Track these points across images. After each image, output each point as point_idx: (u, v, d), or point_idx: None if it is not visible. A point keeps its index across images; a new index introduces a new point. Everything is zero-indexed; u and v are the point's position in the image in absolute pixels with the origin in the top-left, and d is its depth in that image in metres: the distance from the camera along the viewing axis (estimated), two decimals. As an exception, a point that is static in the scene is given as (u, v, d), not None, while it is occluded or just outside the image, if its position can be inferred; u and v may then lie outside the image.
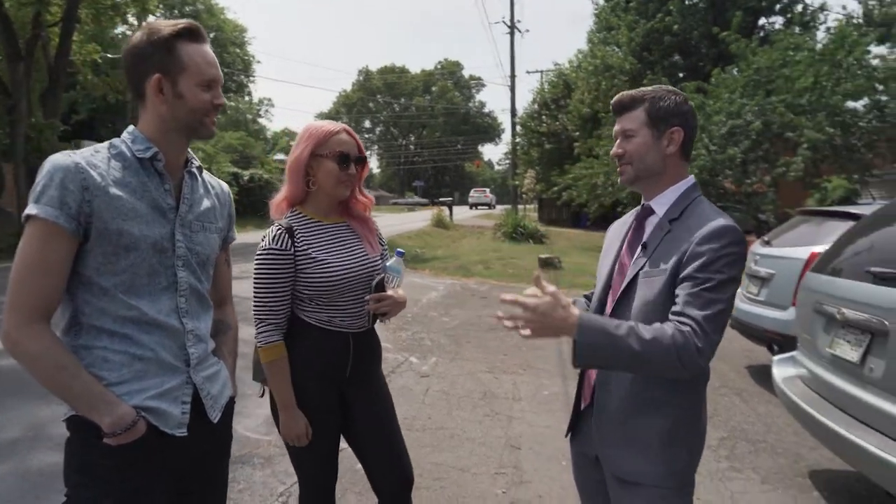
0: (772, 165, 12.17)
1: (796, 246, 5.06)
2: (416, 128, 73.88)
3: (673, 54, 20.61)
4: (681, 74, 19.95)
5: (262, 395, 2.12)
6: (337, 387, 2.01)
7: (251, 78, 32.79)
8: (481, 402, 4.64)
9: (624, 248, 1.68)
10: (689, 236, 1.49)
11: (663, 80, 17.06)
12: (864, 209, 4.74)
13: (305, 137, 1.95)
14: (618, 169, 1.66)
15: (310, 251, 1.92)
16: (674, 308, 1.45)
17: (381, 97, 70.88)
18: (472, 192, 50.33)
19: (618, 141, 1.64)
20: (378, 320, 2.04)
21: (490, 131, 74.78)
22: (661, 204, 1.61)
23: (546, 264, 12.50)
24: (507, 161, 35.88)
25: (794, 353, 3.62)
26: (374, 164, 72.79)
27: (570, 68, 27.77)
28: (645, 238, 1.61)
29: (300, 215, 1.99)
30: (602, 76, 20.74)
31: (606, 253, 1.77)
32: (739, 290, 5.83)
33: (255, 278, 1.91)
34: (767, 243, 5.52)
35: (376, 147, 75.00)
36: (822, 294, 3.26)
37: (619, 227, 1.79)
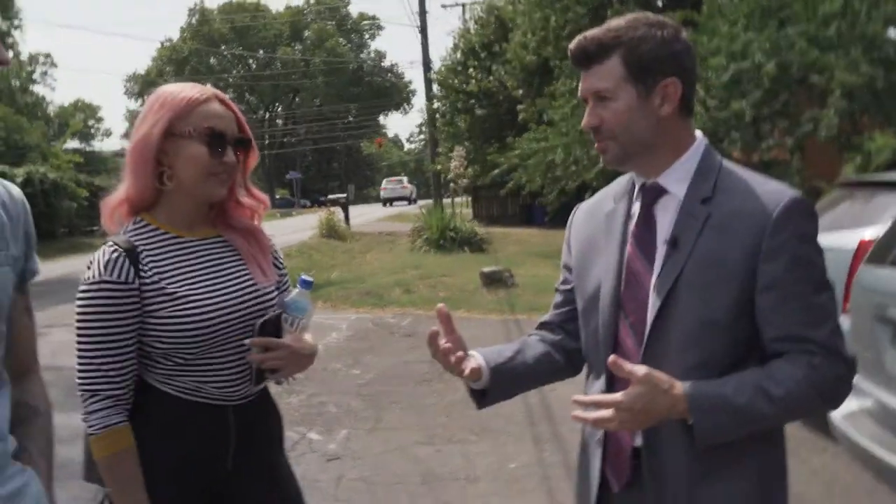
0: (794, 123, 12.78)
1: (840, 230, 5.29)
2: (283, 93, 73.23)
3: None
4: (660, 2, 20.75)
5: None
6: (210, 489, 1.98)
7: (15, 21, 30.90)
8: (422, 490, 4.63)
9: (630, 248, 1.70)
10: (747, 221, 1.57)
11: (635, 9, 17.61)
12: (926, 173, 5.07)
13: (156, 108, 1.92)
14: (596, 146, 1.70)
15: (162, 283, 1.89)
16: (776, 331, 1.56)
17: (226, 49, 69.79)
18: (383, 184, 52.29)
19: (588, 106, 1.67)
20: (266, 381, 2.01)
21: (395, 94, 75.33)
22: (677, 181, 1.66)
23: (491, 281, 12.67)
24: (423, 136, 36.19)
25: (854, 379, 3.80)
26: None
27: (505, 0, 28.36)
28: (668, 231, 1.64)
29: (147, 227, 1.95)
30: (551, 8, 21.21)
31: (589, 256, 1.79)
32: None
33: (78, 329, 1.86)
34: (800, 230, 5.80)
35: (225, 124, 73.51)
36: (885, 294, 3.46)
37: (598, 219, 1.81)
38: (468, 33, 29.98)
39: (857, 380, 3.74)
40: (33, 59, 68.55)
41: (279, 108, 75.23)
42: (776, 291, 1.54)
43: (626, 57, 1.61)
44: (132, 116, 69.64)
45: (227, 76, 71.40)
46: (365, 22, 73.65)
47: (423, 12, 29.73)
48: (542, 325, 1.97)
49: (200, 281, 1.93)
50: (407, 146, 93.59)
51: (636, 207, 1.73)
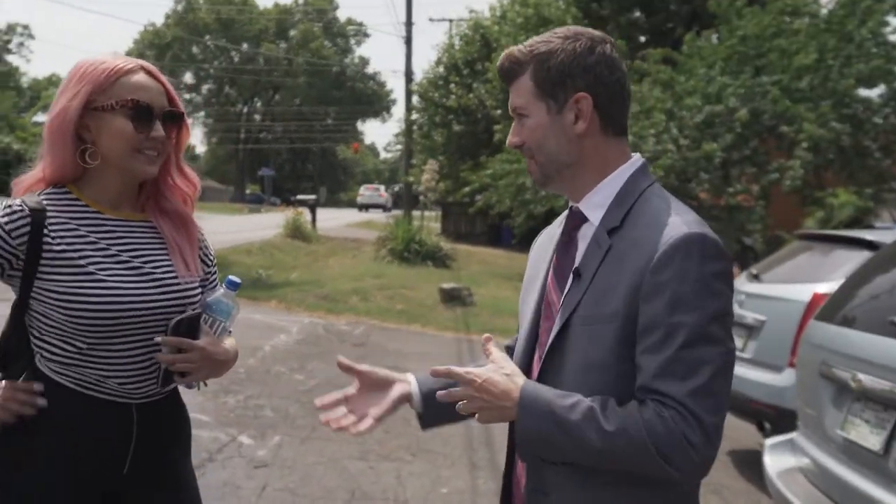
0: (761, 170, 12.97)
1: (795, 283, 5.32)
2: (263, 89, 72.91)
3: (632, 9, 21.67)
4: (642, 38, 21.02)
5: None
6: (103, 494, 1.86)
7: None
8: (347, 508, 4.53)
9: (550, 276, 1.64)
10: (639, 256, 1.45)
11: (619, 41, 17.81)
12: (883, 235, 5.08)
13: (76, 79, 1.82)
14: (527, 166, 1.67)
15: (72, 254, 1.77)
16: (641, 380, 1.43)
17: (210, 39, 69.31)
18: (361, 190, 55.44)
19: (513, 125, 1.64)
20: (174, 384, 1.90)
21: (375, 101, 75.38)
22: (594, 206, 1.58)
23: (450, 298, 12.61)
24: (399, 146, 36.15)
25: (792, 435, 3.74)
26: (196, 139, 70.94)
27: (491, 18, 28.46)
28: (578, 260, 1.57)
29: (69, 196, 1.84)
30: (535, 32, 21.28)
31: (531, 284, 1.74)
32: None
33: None
34: (756, 277, 5.80)
35: (202, 114, 73.15)
36: (831, 352, 3.41)
37: (546, 244, 1.76)
38: (452, 49, 30.07)
39: (797, 436, 3.70)
40: (11, 28, 67.64)
41: (258, 104, 74.84)
42: (650, 335, 1.41)
43: (536, 72, 1.56)
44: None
45: (207, 67, 70.95)
46: (351, 27, 73.66)
47: (409, 23, 29.71)
48: (507, 347, 1.91)
49: (113, 263, 1.81)
50: (383, 154, 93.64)
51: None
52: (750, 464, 5.60)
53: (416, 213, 26.03)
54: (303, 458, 5.27)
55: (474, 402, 1.49)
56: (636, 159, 1.61)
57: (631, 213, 1.52)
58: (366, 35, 77.90)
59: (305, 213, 24.59)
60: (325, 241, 22.56)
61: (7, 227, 1.74)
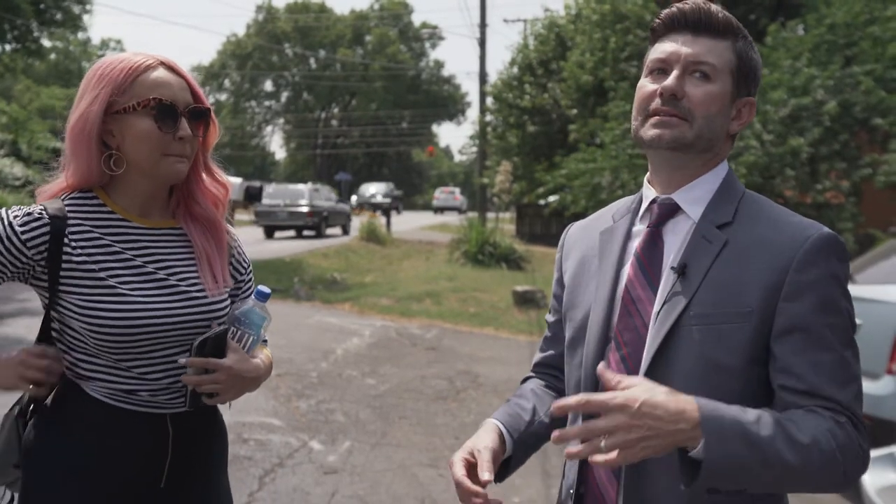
0: (852, 165, 12.46)
1: (891, 283, 5.12)
2: (340, 95, 73.97)
3: (714, 1, 21.09)
4: (724, 31, 20.46)
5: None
6: None
7: (88, 6, 32.01)
8: (416, 517, 4.47)
9: (632, 268, 1.51)
10: (771, 253, 1.38)
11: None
12: None
13: (94, 81, 1.71)
14: (656, 118, 1.46)
15: (92, 266, 1.69)
16: (795, 384, 1.33)
17: (289, 47, 70.75)
18: (436, 193, 55.87)
19: (676, 72, 1.46)
20: (202, 405, 1.78)
21: (450, 104, 75.63)
22: (694, 200, 1.49)
23: (524, 300, 12.46)
24: (474, 148, 36.06)
25: (893, 448, 3.56)
26: (277, 146, 72.47)
27: (566, 17, 28.22)
28: (676, 256, 1.45)
29: (95, 202, 1.76)
30: (611, 29, 21.08)
31: (581, 276, 1.60)
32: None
33: None
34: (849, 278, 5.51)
35: (281, 121, 74.71)
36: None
37: (591, 238, 1.63)
38: (527, 49, 29.87)
39: (898, 449, 3.48)
40: (105, 43, 70.35)
41: (335, 109, 75.94)
42: (799, 336, 1.34)
43: (741, 51, 1.49)
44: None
45: (287, 75, 72.38)
46: (426, 30, 73.96)
47: (483, 25, 29.71)
48: (541, 368, 1.79)
49: (136, 275, 1.72)
50: (458, 157, 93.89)
51: (639, 227, 1.55)
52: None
53: (490, 215, 26.05)
54: (372, 465, 5.20)
55: (629, 431, 1.19)
56: (725, 163, 1.56)
57: (741, 210, 1.46)
58: (440, 38, 78.29)
59: (379, 218, 24.98)
60: (400, 245, 22.73)
61: (24, 237, 1.65)
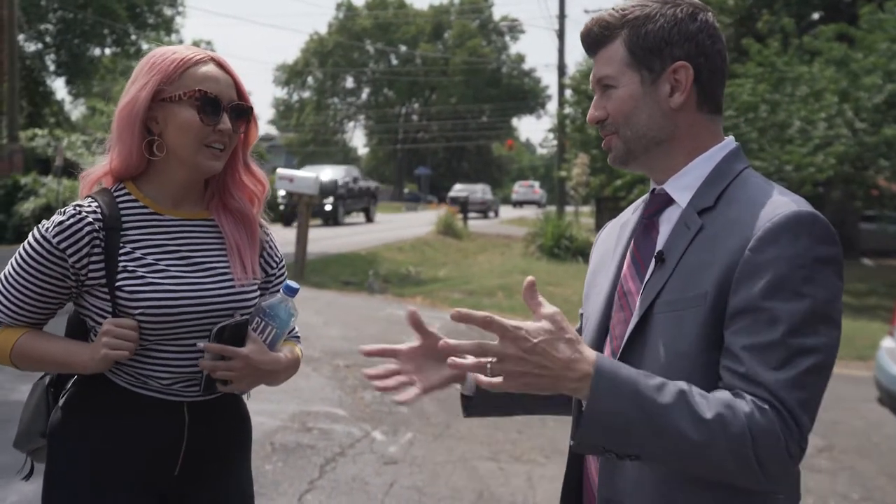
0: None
1: None
2: (420, 90, 74.33)
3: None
4: (815, 15, 19.75)
5: (30, 475, 1.92)
6: (161, 496, 1.83)
7: (180, 8, 33.07)
8: (472, 511, 4.46)
9: (626, 262, 1.52)
10: (736, 234, 1.32)
11: (786, 20, 16.79)
12: None
13: (146, 69, 1.80)
14: (603, 143, 1.54)
15: (139, 254, 1.78)
16: (731, 365, 1.28)
17: (370, 44, 71.43)
18: (515, 187, 56.28)
19: (595, 97, 1.52)
20: (216, 392, 1.81)
21: (530, 98, 75.04)
22: (682, 188, 1.46)
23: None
24: (554, 142, 35.67)
25: None
26: (359, 142, 73.23)
27: (647, 5, 27.72)
28: (661, 244, 1.44)
29: (126, 197, 1.82)
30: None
31: (595, 276, 1.63)
32: (886, 341, 5.54)
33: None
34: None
35: (362, 117, 75.51)
36: None
37: (613, 234, 1.65)
38: (606, 40, 29.50)
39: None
40: (196, 44, 72.24)
41: (415, 105, 76.29)
42: (744, 318, 1.27)
43: (629, 38, 1.44)
44: (278, 104, 72.52)
45: (367, 71, 73.10)
46: (506, 23, 73.51)
47: (562, 16, 29.38)
48: None
49: (166, 266, 1.78)
50: (538, 151, 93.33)
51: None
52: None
53: (570, 208, 25.81)
54: (433, 457, 5.22)
55: (517, 364, 1.23)
56: (729, 141, 1.50)
57: (726, 193, 1.41)
58: (520, 31, 77.67)
59: (456, 213, 25.06)
60: (476, 238, 22.83)
61: (60, 246, 1.71)
